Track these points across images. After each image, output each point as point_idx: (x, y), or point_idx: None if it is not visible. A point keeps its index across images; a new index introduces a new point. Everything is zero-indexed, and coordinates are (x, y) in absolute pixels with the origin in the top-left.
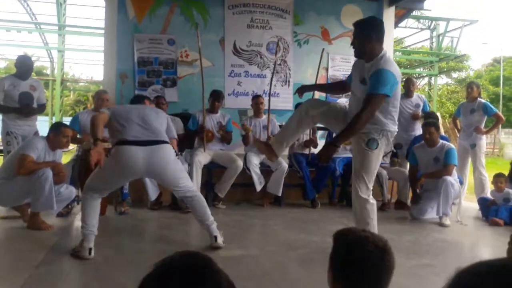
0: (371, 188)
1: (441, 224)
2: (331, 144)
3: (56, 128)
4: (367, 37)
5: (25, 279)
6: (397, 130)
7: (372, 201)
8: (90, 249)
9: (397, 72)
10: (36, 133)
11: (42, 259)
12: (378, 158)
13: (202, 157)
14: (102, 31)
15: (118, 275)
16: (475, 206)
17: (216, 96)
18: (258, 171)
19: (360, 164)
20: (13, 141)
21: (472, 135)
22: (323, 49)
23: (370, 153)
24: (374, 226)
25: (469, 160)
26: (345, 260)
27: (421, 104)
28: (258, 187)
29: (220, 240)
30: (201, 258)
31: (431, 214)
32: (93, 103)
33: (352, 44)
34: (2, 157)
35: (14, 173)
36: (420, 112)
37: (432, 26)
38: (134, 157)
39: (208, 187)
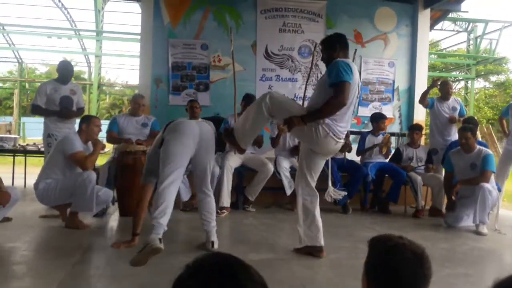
0: (312, 184)
1: (478, 233)
2: (301, 119)
3: (87, 119)
4: (332, 48)
5: (63, 277)
6: (343, 130)
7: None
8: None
9: (352, 67)
10: None
11: (79, 257)
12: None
13: (233, 161)
14: (138, 37)
15: (150, 274)
16: None
17: (248, 101)
18: (288, 175)
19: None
20: (54, 143)
21: None
22: (356, 50)
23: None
24: (312, 220)
25: (511, 166)
26: (381, 267)
27: (458, 107)
28: (288, 191)
29: (216, 245)
30: (232, 258)
31: (467, 222)
32: (130, 107)
33: (322, 59)
34: (43, 158)
35: (64, 171)
36: (457, 116)
37: (469, 28)
38: (191, 126)
39: (238, 190)
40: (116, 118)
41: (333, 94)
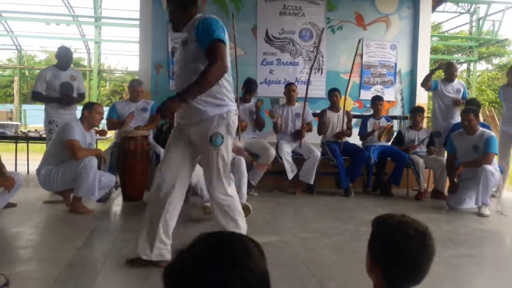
0: (229, 182)
1: (480, 214)
2: (178, 98)
3: (89, 105)
4: (183, 5)
5: (69, 260)
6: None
7: (230, 193)
8: None
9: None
10: None
11: (83, 241)
12: (228, 149)
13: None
14: (137, 22)
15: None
16: None
17: (248, 88)
18: (290, 159)
19: (207, 166)
20: (55, 130)
21: None
22: (359, 40)
23: (218, 151)
24: (237, 222)
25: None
26: (385, 244)
27: (462, 90)
28: (290, 176)
29: None
30: (233, 235)
31: (469, 203)
32: (128, 94)
33: (170, 20)
34: (45, 145)
35: (63, 158)
36: (460, 98)
37: (471, 10)
38: None
39: None
40: (115, 104)
41: (209, 58)
